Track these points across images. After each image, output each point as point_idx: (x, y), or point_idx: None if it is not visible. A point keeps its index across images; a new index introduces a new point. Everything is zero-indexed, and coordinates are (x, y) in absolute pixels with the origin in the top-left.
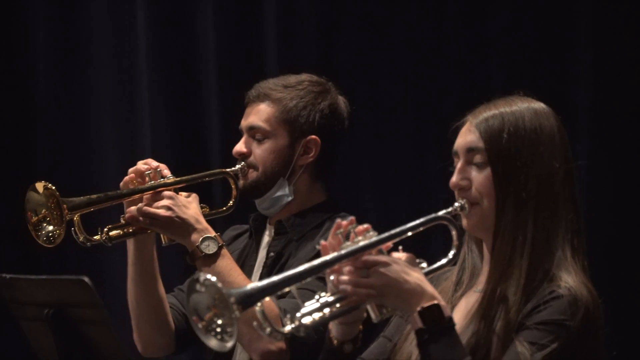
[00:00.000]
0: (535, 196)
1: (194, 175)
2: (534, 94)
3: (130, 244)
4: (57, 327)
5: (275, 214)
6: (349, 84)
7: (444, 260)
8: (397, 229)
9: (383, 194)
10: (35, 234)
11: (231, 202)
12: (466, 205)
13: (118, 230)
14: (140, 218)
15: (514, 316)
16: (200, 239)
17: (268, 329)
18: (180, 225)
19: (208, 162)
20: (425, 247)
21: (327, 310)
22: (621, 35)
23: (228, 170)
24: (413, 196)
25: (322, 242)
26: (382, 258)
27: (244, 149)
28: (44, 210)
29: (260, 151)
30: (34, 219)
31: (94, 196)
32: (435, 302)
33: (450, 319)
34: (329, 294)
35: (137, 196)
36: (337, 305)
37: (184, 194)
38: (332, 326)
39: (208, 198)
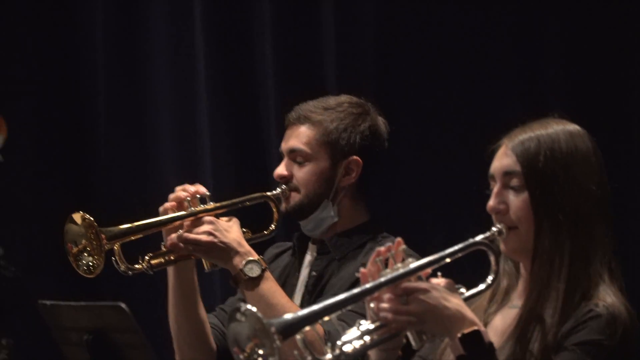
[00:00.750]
0: (572, 219)
1: (234, 200)
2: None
3: (171, 271)
4: (97, 352)
5: (319, 235)
6: (405, 102)
7: (482, 286)
8: (436, 255)
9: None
10: (75, 264)
11: (273, 225)
12: (504, 230)
13: (159, 259)
14: (182, 245)
15: (551, 338)
16: (244, 262)
17: (309, 358)
18: (222, 250)
19: (267, 180)
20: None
21: (367, 338)
22: None
23: (269, 194)
24: (452, 219)
25: (362, 269)
26: (422, 285)
27: (285, 172)
28: (83, 241)
29: (302, 174)
30: (74, 249)
31: (133, 225)
32: (476, 328)
33: (491, 345)
34: (369, 322)
35: (177, 223)
36: (378, 332)
37: (224, 218)
38: (372, 352)
39: (249, 222)
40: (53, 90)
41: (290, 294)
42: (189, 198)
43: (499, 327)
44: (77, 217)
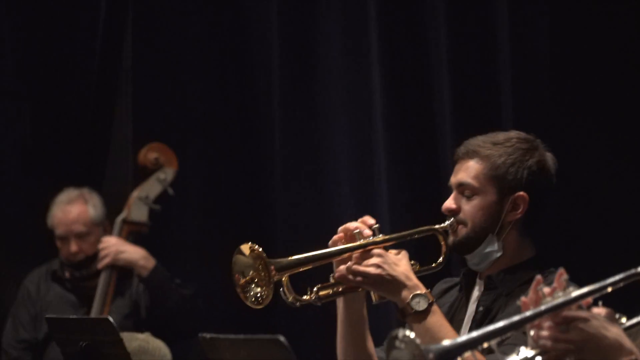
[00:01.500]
0: None
1: (402, 233)
2: None
3: (340, 303)
4: None
5: (485, 269)
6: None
7: None
8: (597, 285)
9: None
10: (243, 295)
11: (441, 258)
12: None
13: (327, 290)
14: (351, 277)
15: None
16: (411, 296)
17: None
18: (390, 283)
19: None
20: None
21: None
22: None
23: (437, 227)
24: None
25: (523, 298)
26: (582, 314)
27: (454, 205)
28: (251, 272)
29: (469, 207)
30: (242, 281)
31: (302, 256)
32: (634, 357)
33: None
34: (529, 349)
35: (346, 255)
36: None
37: (393, 251)
38: None
39: (417, 254)
40: (226, 123)
41: (457, 328)
42: (358, 230)
43: None
44: (245, 248)
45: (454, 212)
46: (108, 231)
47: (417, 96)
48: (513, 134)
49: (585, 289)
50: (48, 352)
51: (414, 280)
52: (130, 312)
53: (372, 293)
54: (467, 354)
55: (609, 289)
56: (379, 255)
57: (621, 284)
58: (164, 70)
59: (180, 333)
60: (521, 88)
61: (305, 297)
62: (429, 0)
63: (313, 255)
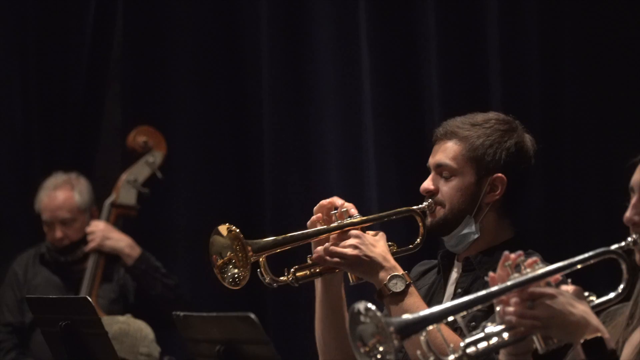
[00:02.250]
0: None
1: (380, 214)
2: None
3: (318, 284)
4: None
5: (462, 251)
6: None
7: (612, 294)
8: (566, 262)
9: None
10: (220, 276)
11: (418, 239)
12: (639, 241)
13: (305, 271)
14: (328, 257)
15: None
16: (388, 277)
17: (431, 359)
18: (367, 264)
19: None
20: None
21: (491, 341)
22: None
23: (415, 207)
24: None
25: (491, 273)
26: (549, 290)
27: (432, 187)
28: (229, 253)
29: (447, 188)
30: (220, 261)
31: (279, 237)
32: (599, 334)
33: (614, 352)
34: (494, 324)
35: (323, 236)
36: (503, 336)
37: (371, 232)
38: (502, 357)
39: (394, 236)
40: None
41: None
42: (335, 211)
43: (634, 343)
44: (222, 229)
45: (432, 193)
46: (96, 215)
47: (406, 83)
48: (492, 115)
49: (553, 266)
50: (34, 336)
51: (391, 261)
52: (117, 297)
53: (349, 274)
54: (431, 328)
55: (578, 266)
56: (357, 237)
57: (591, 261)
58: (154, 56)
59: (165, 321)
60: (510, 74)
61: (282, 278)
62: None
63: (290, 237)
